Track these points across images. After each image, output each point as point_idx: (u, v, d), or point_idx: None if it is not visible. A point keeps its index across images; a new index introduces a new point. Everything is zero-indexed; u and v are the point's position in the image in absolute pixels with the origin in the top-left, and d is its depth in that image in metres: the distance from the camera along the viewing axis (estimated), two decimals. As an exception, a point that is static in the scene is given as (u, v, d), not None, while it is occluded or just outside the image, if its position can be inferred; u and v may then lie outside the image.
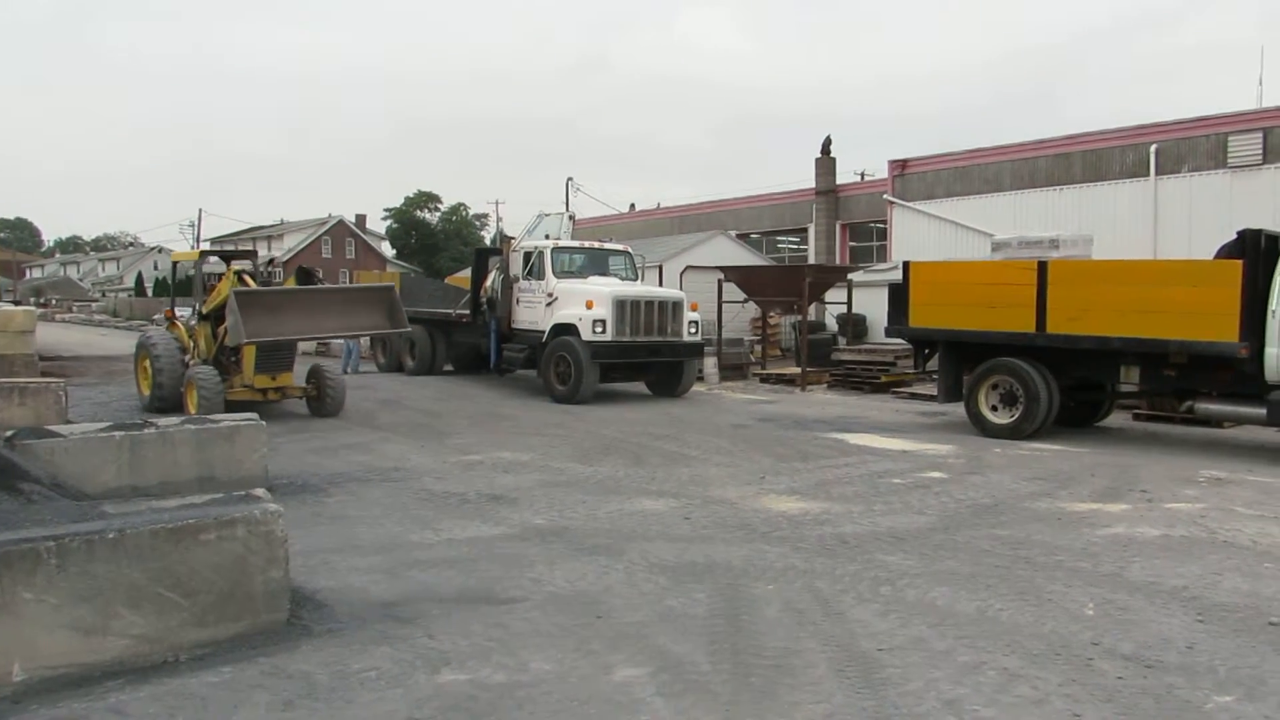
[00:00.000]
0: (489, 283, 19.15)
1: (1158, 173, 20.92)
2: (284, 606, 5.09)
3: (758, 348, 24.48)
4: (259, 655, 4.76)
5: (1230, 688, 4.57)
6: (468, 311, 19.74)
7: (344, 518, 7.82)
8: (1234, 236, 11.60)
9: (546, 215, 20.11)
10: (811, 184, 33.73)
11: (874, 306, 17.75)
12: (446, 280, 29.26)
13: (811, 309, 25.66)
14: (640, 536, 7.32)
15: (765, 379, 21.29)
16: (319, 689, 4.41)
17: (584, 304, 16.55)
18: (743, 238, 34.81)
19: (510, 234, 21.54)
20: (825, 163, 33.40)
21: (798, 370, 20.51)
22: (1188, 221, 20.10)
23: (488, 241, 59.87)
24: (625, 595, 5.87)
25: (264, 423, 8.55)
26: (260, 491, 5.50)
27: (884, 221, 28.39)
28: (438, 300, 22.14)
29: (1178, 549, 7.17)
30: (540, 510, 8.17)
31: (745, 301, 22.72)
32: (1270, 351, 11.09)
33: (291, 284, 14.92)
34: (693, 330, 17.59)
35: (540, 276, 17.75)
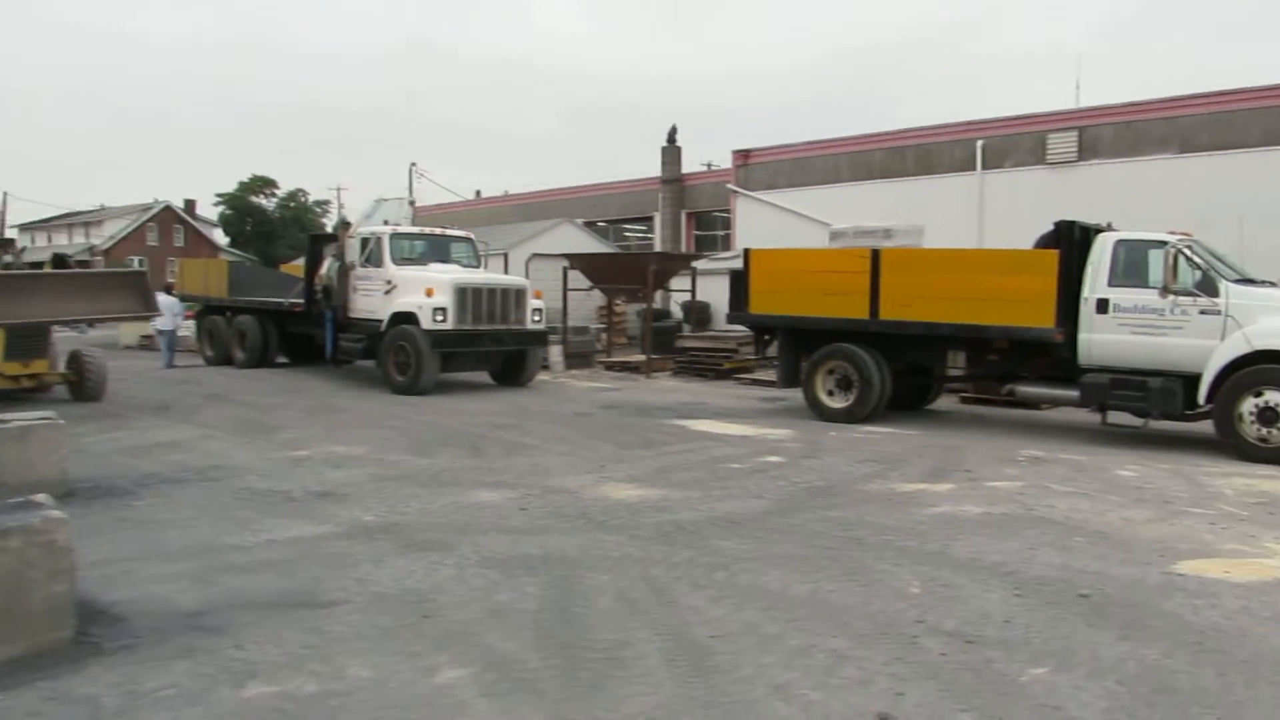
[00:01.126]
0: (324, 270, 18.41)
1: (983, 167, 21.88)
2: (69, 623, 4.63)
3: (605, 336, 24.44)
4: (38, 679, 4.30)
5: (1044, 659, 4.71)
6: (302, 300, 18.94)
7: (152, 522, 7.28)
8: (1051, 228, 12.17)
9: (385, 200, 19.51)
10: (658, 172, 33.90)
11: (718, 294, 17.92)
12: (281, 268, 28.05)
13: (657, 297, 25.84)
14: (474, 530, 7.10)
15: (610, 367, 21.28)
16: (105, 713, 4.03)
17: (424, 291, 16.09)
18: (590, 226, 34.72)
19: (352, 220, 20.79)
20: (671, 152, 33.62)
21: (643, 358, 20.57)
22: (1011, 214, 21.04)
23: (329, 229, 57.85)
24: (454, 592, 5.64)
25: (62, 422, 7.89)
26: (43, 497, 4.98)
27: (728, 211, 28.78)
28: (271, 289, 21.16)
29: (998, 526, 7.43)
30: (371, 506, 7.83)
31: (590, 289, 22.62)
32: (1083, 337, 11.71)
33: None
34: (537, 318, 17.35)
35: (378, 264, 17.15)
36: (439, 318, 15.88)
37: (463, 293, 16.20)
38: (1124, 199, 18.47)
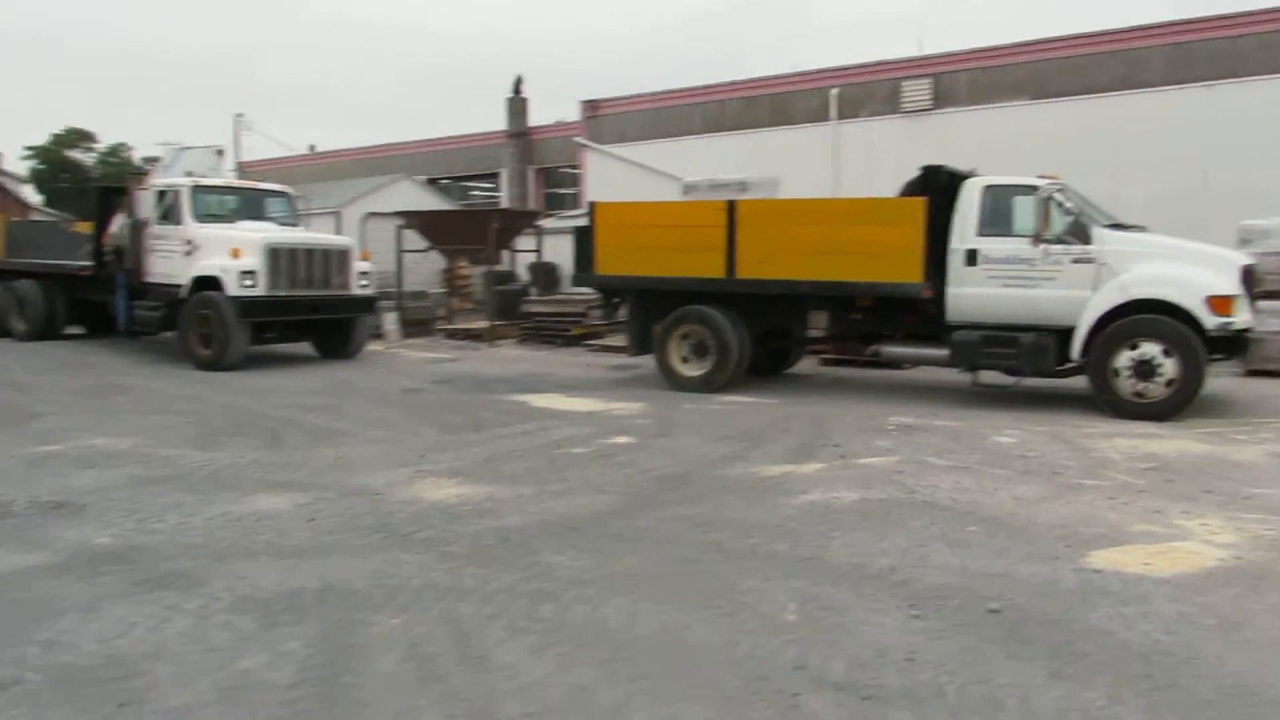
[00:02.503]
0: (115, 228, 16.15)
1: (839, 117, 21.09)
2: None
3: (449, 301, 22.71)
4: None
5: (964, 715, 3.60)
6: (90, 263, 16.60)
7: None
8: (918, 173, 11.24)
9: (188, 149, 17.20)
10: (503, 126, 32.09)
11: (566, 255, 16.57)
12: (74, 227, 25.03)
13: (504, 258, 24.25)
14: (239, 553, 5.58)
15: (452, 335, 19.67)
16: None
17: (229, 252, 14.13)
18: (432, 183, 32.70)
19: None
20: (517, 103, 31.84)
21: (486, 325, 19.03)
22: (867, 164, 20.34)
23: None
24: (182, 656, 4.16)
25: None
26: None
27: (578, 166, 27.33)
28: (62, 250, 18.56)
29: (878, 515, 6.36)
30: (112, 522, 6.19)
31: (428, 250, 20.86)
32: (951, 291, 10.86)
33: None
34: (364, 283, 15.60)
35: (177, 221, 15.01)
36: (247, 282, 13.99)
37: (275, 254, 14.34)
38: (980, 147, 17.84)
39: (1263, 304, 11.46)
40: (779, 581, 5.09)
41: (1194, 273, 9.89)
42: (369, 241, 20.44)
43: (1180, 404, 9.74)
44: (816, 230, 11.34)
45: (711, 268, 11.88)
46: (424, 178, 32.23)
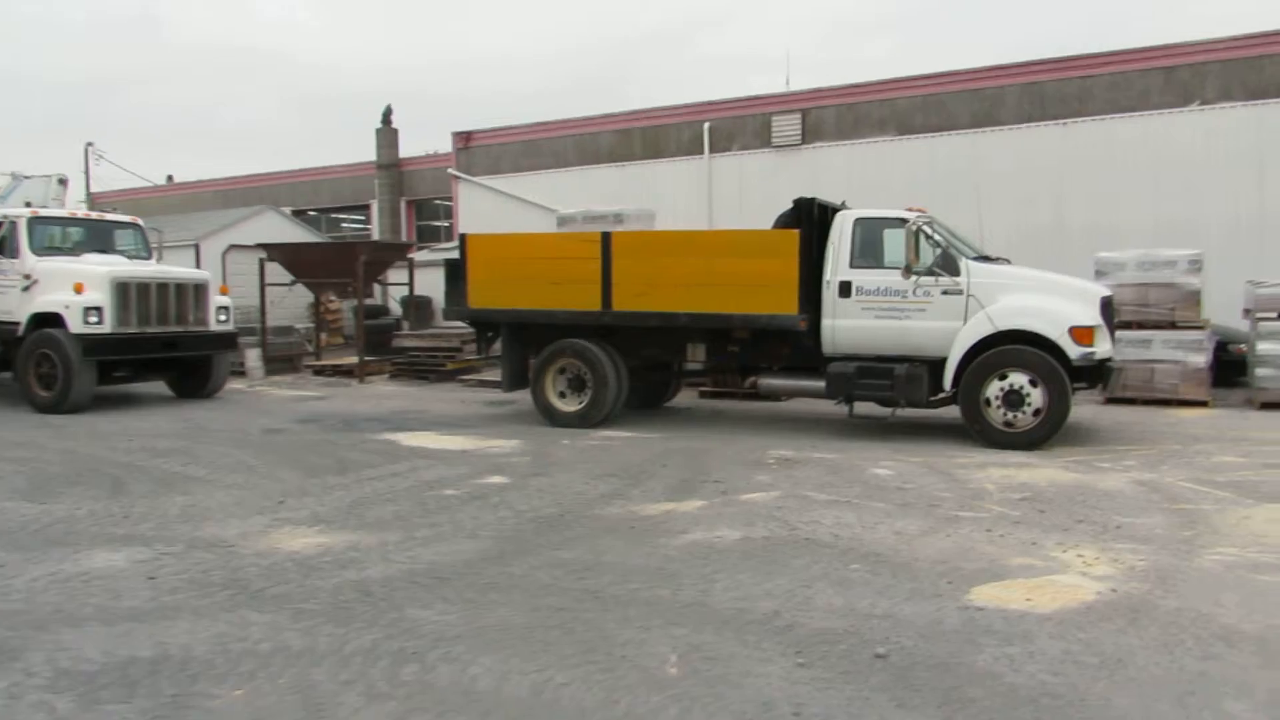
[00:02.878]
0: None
1: (711, 150, 21.23)
2: None
3: (318, 336, 21.87)
4: None
5: (853, 776, 3.40)
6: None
7: None
8: (790, 206, 11.27)
9: (27, 178, 16.19)
10: (374, 158, 31.33)
11: (439, 288, 16.10)
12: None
13: (376, 292, 23.56)
14: (64, 619, 5.02)
15: (320, 371, 18.92)
16: None
17: (72, 287, 13.24)
18: (299, 215, 31.63)
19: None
20: (387, 134, 31.14)
21: (356, 360, 18.35)
22: (739, 196, 20.54)
23: None
24: (-15, 750, 3.65)
25: None
26: None
27: (450, 198, 26.81)
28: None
29: (761, 555, 6.19)
30: (-81, 591, 5.53)
31: (293, 284, 20.05)
32: (826, 323, 10.89)
33: None
34: (224, 318, 14.83)
35: (14, 254, 14.01)
36: (92, 319, 13.14)
37: (124, 288, 13.52)
38: (848, 180, 18.27)
39: (1120, 334, 11.88)
40: (660, 630, 4.84)
41: (1057, 304, 10.15)
42: (231, 275, 19.55)
43: (1048, 433, 9.94)
44: (693, 262, 11.25)
45: (587, 300, 11.66)
46: (290, 209, 31.19)
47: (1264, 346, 12.68)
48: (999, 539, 6.54)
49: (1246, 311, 13.49)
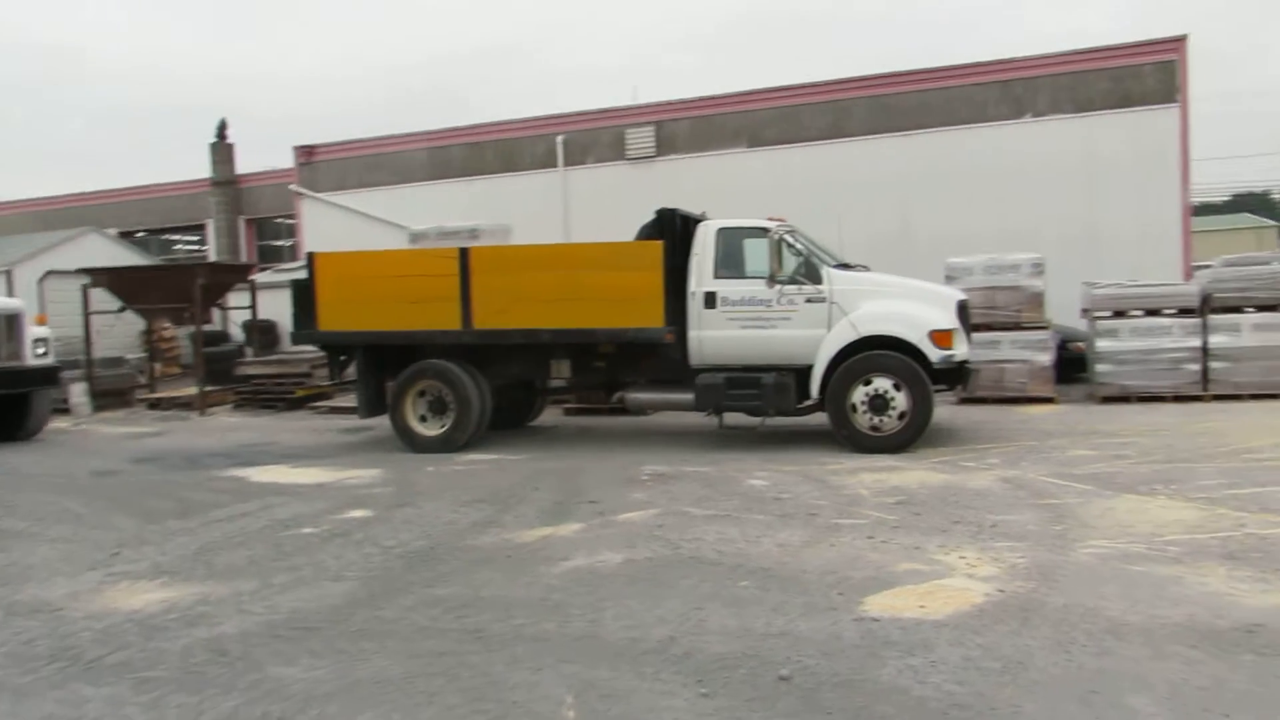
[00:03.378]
0: None
1: (566, 164, 21.01)
2: None
3: (152, 367, 20.49)
4: None
5: (774, 817, 3.18)
6: None
7: None
8: (653, 216, 11.15)
9: None
10: (208, 174, 29.79)
11: (285, 311, 15.28)
12: None
13: (215, 317, 22.32)
14: None
15: (156, 405, 17.68)
16: None
17: None
18: (127, 236, 29.77)
19: None
20: (223, 149, 29.63)
21: (195, 391, 17.25)
22: (595, 209, 20.33)
23: None
24: None
25: None
26: None
27: (293, 216, 25.72)
28: None
29: (647, 578, 5.95)
30: None
31: (122, 310, 18.74)
32: (693, 334, 10.79)
33: None
34: (42, 350, 13.68)
35: None
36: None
37: (-76, 324, 12.27)
38: (703, 191, 18.25)
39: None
40: (552, 669, 4.53)
41: (917, 309, 10.33)
42: (50, 304, 18.14)
43: (913, 435, 10.09)
44: (555, 277, 10.98)
45: (446, 319, 11.22)
46: (116, 230, 29.32)
47: (1102, 344, 13.29)
48: (882, 545, 6.50)
49: (1085, 311, 14.14)
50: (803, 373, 10.49)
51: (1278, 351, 12.70)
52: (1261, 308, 12.84)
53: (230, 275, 20.39)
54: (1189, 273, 16.37)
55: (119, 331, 19.67)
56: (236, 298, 20.52)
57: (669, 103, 20.36)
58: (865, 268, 11.31)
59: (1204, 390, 12.90)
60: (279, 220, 30.07)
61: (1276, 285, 12.86)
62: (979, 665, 4.38)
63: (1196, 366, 12.95)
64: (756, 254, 10.86)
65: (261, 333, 20.41)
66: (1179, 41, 16.84)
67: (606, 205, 20.33)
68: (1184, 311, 13.11)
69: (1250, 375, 12.75)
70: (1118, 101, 17.05)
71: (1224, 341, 12.86)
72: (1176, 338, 12.99)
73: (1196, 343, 12.94)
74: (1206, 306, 13.06)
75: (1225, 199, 65.07)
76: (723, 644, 4.77)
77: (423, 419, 11.54)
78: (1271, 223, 55.57)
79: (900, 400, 10.07)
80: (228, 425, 15.12)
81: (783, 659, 4.54)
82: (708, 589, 5.67)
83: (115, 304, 18.59)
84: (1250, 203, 66.43)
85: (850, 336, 10.25)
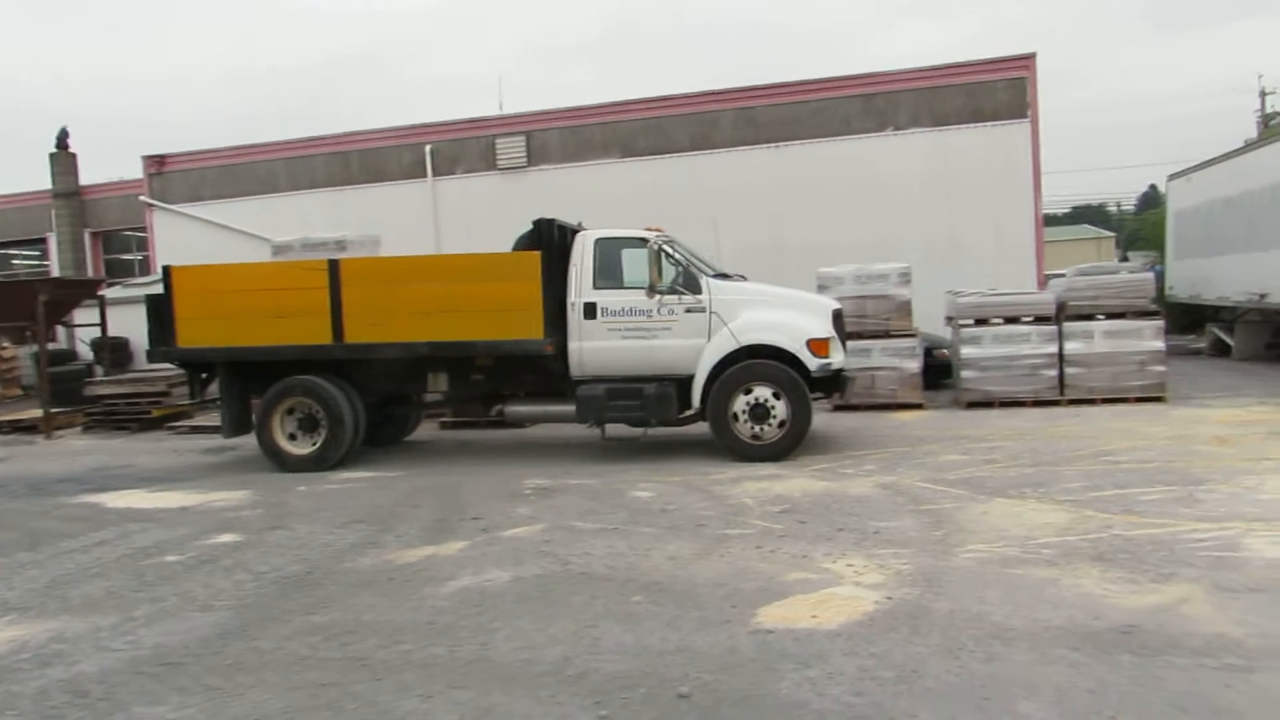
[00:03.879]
0: None
1: (434, 174, 20.61)
2: None
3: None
4: None
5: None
6: None
7: None
8: (528, 227, 11.00)
9: None
10: (48, 185, 28.09)
11: (137, 327, 14.48)
12: None
13: (59, 334, 21.05)
14: None
15: (-5, 428, 16.50)
16: None
17: None
18: (-42, 251, 27.86)
19: None
20: (64, 159, 27.97)
21: (40, 413, 16.17)
22: (465, 220, 20.06)
23: None
24: None
25: None
26: None
27: (144, 228, 24.47)
28: None
29: (538, 597, 5.81)
30: None
31: (-44, 330, 17.47)
32: (573, 346, 10.67)
33: None
34: None
35: None
36: None
37: None
38: (575, 201, 18.20)
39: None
40: (443, 695, 4.36)
41: (795, 318, 10.46)
42: (-127, 322, 16.74)
43: (793, 443, 10.21)
44: (431, 289, 10.70)
45: (316, 333, 10.81)
46: (-53, 244, 27.40)
47: (966, 351, 13.76)
48: (770, 555, 6.52)
49: (949, 319, 14.63)
50: (684, 382, 10.50)
51: (1126, 357, 13.38)
52: (1111, 315, 13.52)
53: (76, 291, 19.23)
54: (1043, 281, 17.14)
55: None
56: (84, 314, 19.40)
57: (540, 113, 20.22)
58: (743, 277, 11.41)
59: (1060, 395, 13.48)
60: (128, 233, 28.59)
61: (1125, 294, 13.56)
62: (874, 675, 4.41)
63: (1054, 372, 13.53)
64: (635, 264, 10.82)
65: (112, 350, 19.30)
66: (1028, 59, 17.64)
67: (478, 215, 20.12)
68: (1041, 319, 13.69)
69: (1102, 380, 13.39)
70: (972, 116, 17.75)
71: (1078, 348, 13.47)
72: (1035, 344, 13.54)
73: (1053, 349, 13.52)
74: (1062, 314, 13.67)
75: (1065, 211, 68.91)
76: (619, 662, 4.68)
77: (292, 437, 11.08)
78: (1109, 233, 59.02)
79: (780, 409, 10.18)
80: (77, 448, 14.21)
81: (681, 676, 4.48)
82: (600, 606, 5.57)
83: (-54, 322, 17.30)
84: (1089, 214, 70.46)
85: (730, 346, 10.31)
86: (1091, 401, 13.34)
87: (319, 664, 4.84)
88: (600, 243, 10.83)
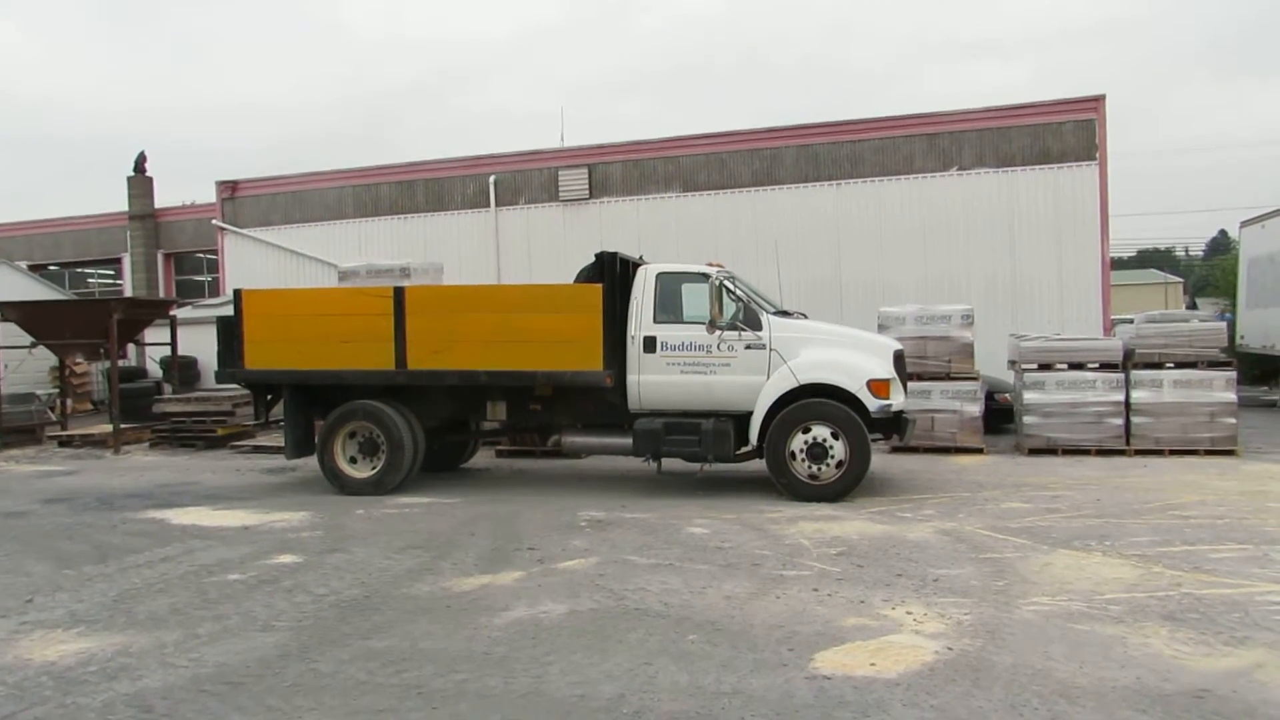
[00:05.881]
0: None
1: (497, 204, 20.88)
2: None
3: (61, 403, 19.69)
4: None
5: None
6: None
7: None
8: (590, 260, 11.08)
9: None
10: (125, 207, 28.98)
11: (206, 347, 14.86)
12: None
13: (130, 352, 21.63)
14: None
15: (67, 442, 16.96)
16: None
17: None
18: (38, 269, 28.77)
19: None
20: (141, 182, 28.90)
21: (110, 428, 16.60)
22: (527, 250, 20.33)
23: None
24: None
25: None
26: None
27: (215, 251, 25.10)
28: None
29: (593, 630, 5.80)
30: None
31: (33, 346, 18.01)
32: (632, 379, 10.71)
33: None
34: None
35: None
36: None
37: None
38: (635, 235, 18.44)
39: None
40: (497, 729, 4.36)
41: (855, 358, 10.39)
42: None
43: (851, 484, 10.11)
44: (493, 318, 10.83)
45: (380, 359, 10.99)
46: (27, 263, 28.32)
47: (1030, 396, 13.53)
48: (828, 599, 6.44)
49: (1012, 363, 14.41)
50: (741, 419, 10.47)
51: (1195, 408, 13.06)
52: (1180, 364, 13.22)
53: (148, 310, 19.77)
54: (1109, 326, 16.85)
55: (29, 367, 18.91)
56: (155, 333, 19.91)
57: (601, 146, 20.42)
58: (803, 315, 11.38)
59: (1126, 445, 13.18)
60: (199, 255, 29.40)
61: (1195, 343, 13.24)
62: (936, 725, 4.33)
63: (1119, 421, 13.24)
64: (696, 299, 10.85)
65: (182, 369, 19.77)
66: (1097, 100, 17.43)
67: (539, 246, 20.36)
68: (1107, 366, 13.43)
69: (1170, 431, 13.08)
70: (1039, 157, 17.57)
71: (1145, 397, 13.18)
72: (1100, 392, 13.28)
73: (1119, 397, 13.24)
74: (1129, 362, 13.39)
75: (1131, 254, 67.80)
76: (674, 702, 4.65)
77: (353, 460, 11.23)
78: (1176, 278, 57.91)
79: (839, 449, 10.09)
80: (144, 464, 14.54)
81: (736, 719, 4.43)
82: (655, 643, 5.54)
83: (27, 339, 17.86)
84: (1156, 258, 69.25)
85: (789, 384, 10.26)
86: (1159, 453, 13.02)
87: (376, 689, 4.87)
88: (662, 277, 10.88)
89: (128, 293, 28.44)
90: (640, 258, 11.73)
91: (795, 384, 10.24)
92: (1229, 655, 5.19)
